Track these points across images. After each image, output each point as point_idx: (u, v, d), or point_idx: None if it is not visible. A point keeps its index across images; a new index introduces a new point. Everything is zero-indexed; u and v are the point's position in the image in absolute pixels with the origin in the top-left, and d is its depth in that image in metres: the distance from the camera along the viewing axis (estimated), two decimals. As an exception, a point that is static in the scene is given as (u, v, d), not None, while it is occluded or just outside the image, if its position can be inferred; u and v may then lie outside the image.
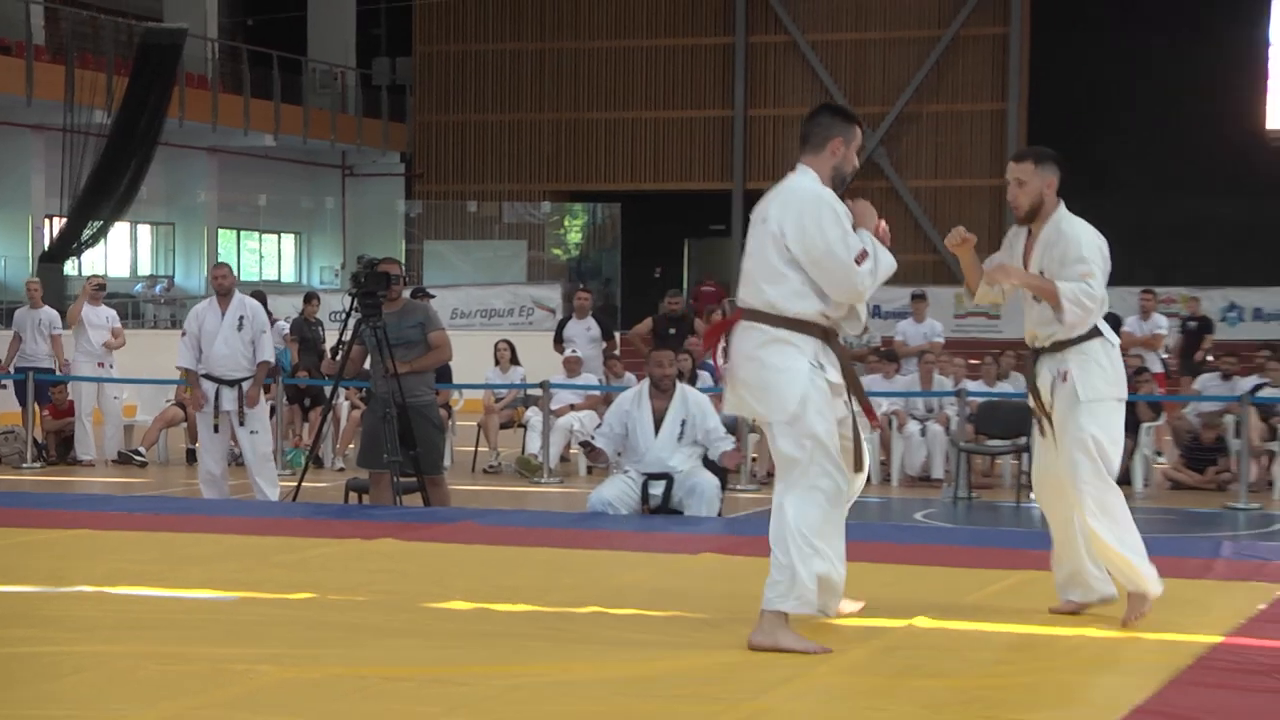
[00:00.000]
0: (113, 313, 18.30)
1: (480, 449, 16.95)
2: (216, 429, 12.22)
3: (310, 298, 20.24)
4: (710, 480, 10.16)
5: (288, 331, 18.83)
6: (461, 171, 34.99)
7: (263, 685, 5.45)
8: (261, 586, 7.35)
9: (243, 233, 34.43)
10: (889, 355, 16.69)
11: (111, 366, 17.67)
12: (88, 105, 25.68)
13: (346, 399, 16.64)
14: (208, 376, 12.19)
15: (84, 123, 25.47)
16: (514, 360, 17.73)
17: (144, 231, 32.17)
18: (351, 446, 14.97)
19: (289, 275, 35.34)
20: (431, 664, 5.80)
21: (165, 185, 30.22)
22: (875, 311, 26.81)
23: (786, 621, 6.02)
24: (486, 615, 6.72)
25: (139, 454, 17.07)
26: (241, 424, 12.19)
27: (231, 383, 12.19)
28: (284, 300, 24.25)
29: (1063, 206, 6.66)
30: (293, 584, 7.42)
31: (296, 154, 33.59)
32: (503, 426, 17.16)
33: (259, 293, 17.11)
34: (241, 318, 12.27)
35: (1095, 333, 6.56)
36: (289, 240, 35.94)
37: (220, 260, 14.18)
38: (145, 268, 32.09)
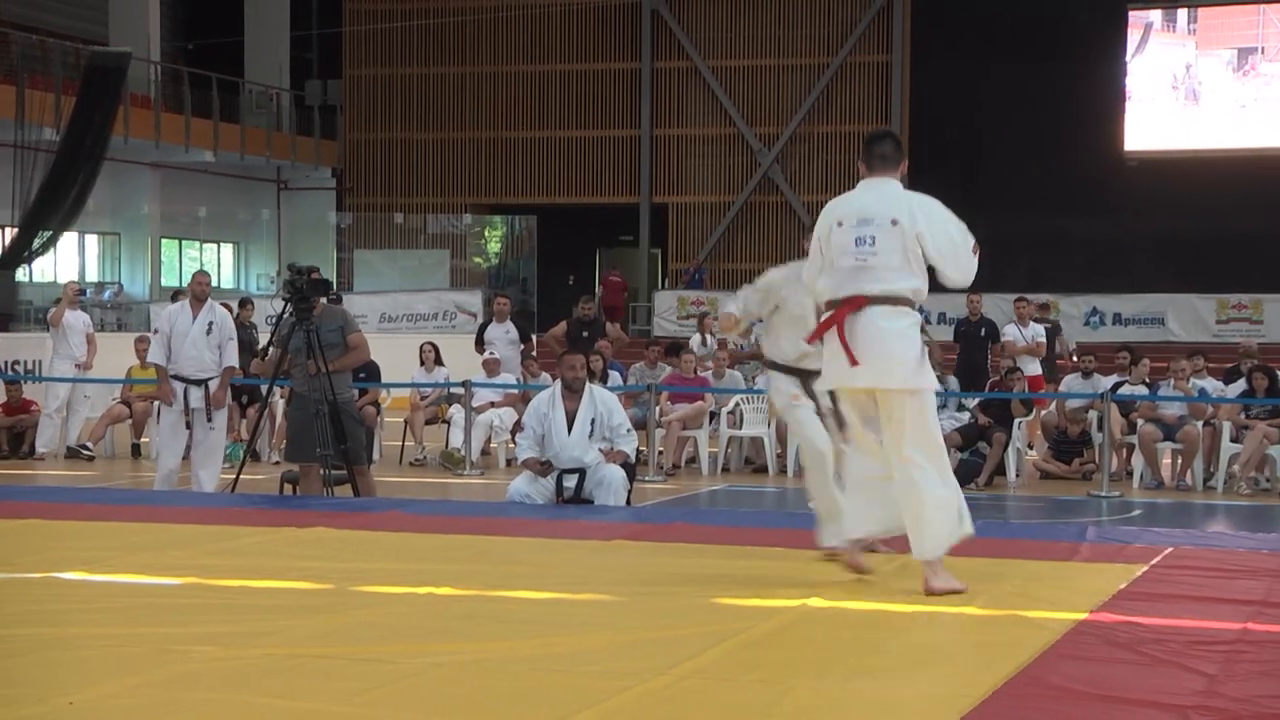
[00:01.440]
0: (87, 317, 18.00)
1: (407, 443, 16.84)
2: (188, 425, 12.01)
3: (245, 303, 19.94)
4: (618, 473, 10.19)
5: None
6: (389, 185, 34.83)
7: (202, 664, 5.38)
8: (202, 572, 7.26)
9: (184, 242, 34.05)
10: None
11: (90, 368, 17.35)
12: (38, 123, 25.34)
13: (282, 397, 16.46)
14: (175, 376, 11.98)
15: (34, 139, 25.11)
16: (438, 361, 17.62)
17: (91, 241, 31.73)
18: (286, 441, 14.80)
19: (227, 282, 34.96)
20: (360, 643, 5.74)
21: (111, 198, 29.82)
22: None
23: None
24: (412, 599, 6.67)
25: (87, 449, 16.82)
26: (209, 420, 12.00)
27: (197, 382, 12.00)
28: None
29: None
30: (231, 570, 7.34)
31: (234, 169, 33.28)
32: (428, 422, 17.07)
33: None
34: (211, 323, 12.05)
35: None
36: (227, 249, 35.60)
37: (201, 269, 14.01)
38: (92, 275, 31.69)
